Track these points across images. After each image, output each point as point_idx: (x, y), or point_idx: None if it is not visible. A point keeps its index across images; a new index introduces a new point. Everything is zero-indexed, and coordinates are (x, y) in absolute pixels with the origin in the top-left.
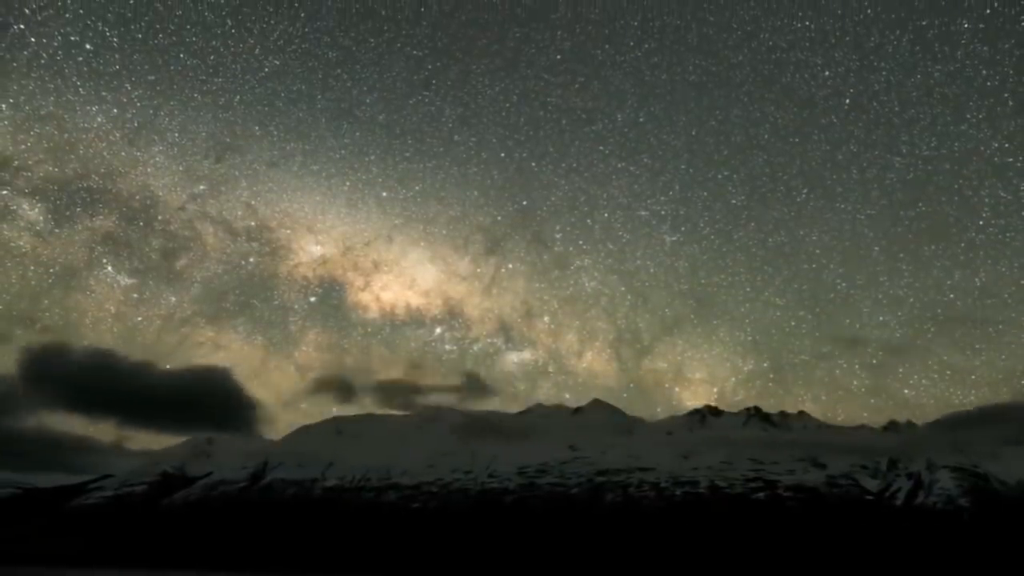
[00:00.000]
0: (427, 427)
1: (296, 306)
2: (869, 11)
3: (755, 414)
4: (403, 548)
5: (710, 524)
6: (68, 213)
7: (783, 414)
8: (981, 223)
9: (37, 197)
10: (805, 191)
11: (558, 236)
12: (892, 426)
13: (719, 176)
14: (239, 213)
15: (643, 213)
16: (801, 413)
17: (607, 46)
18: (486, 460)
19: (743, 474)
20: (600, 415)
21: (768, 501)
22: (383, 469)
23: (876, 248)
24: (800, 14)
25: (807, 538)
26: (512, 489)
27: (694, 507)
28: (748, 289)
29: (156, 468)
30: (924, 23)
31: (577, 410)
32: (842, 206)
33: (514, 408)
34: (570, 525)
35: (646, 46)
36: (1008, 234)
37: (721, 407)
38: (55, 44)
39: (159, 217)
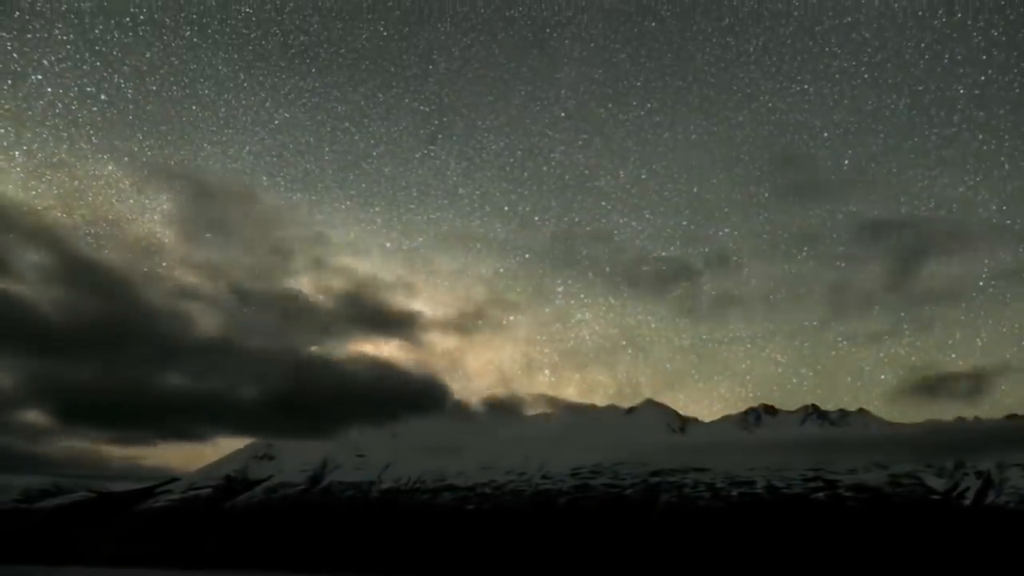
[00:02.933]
0: (481, 428)
1: None
2: (866, 75)
3: (813, 412)
4: (458, 550)
5: (768, 525)
6: (74, 257)
7: (842, 412)
8: (981, 284)
9: (43, 242)
10: (805, 249)
11: (560, 289)
12: (959, 423)
13: (720, 233)
14: None
15: (645, 268)
16: (861, 411)
17: (610, 105)
18: (539, 461)
19: (801, 474)
20: (653, 415)
21: (828, 502)
22: (437, 471)
23: (877, 307)
24: (799, 77)
25: (870, 540)
26: (566, 490)
27: (751, 508)
28: (749, 346)
29: (220, 472)
30: (921, 88)
31: (630, 410)
32: (841, 264)
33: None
34: (624, 526)
35: (648, 105)
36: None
37: (777, 405)
38: (71, 94)
39: (163, 264)
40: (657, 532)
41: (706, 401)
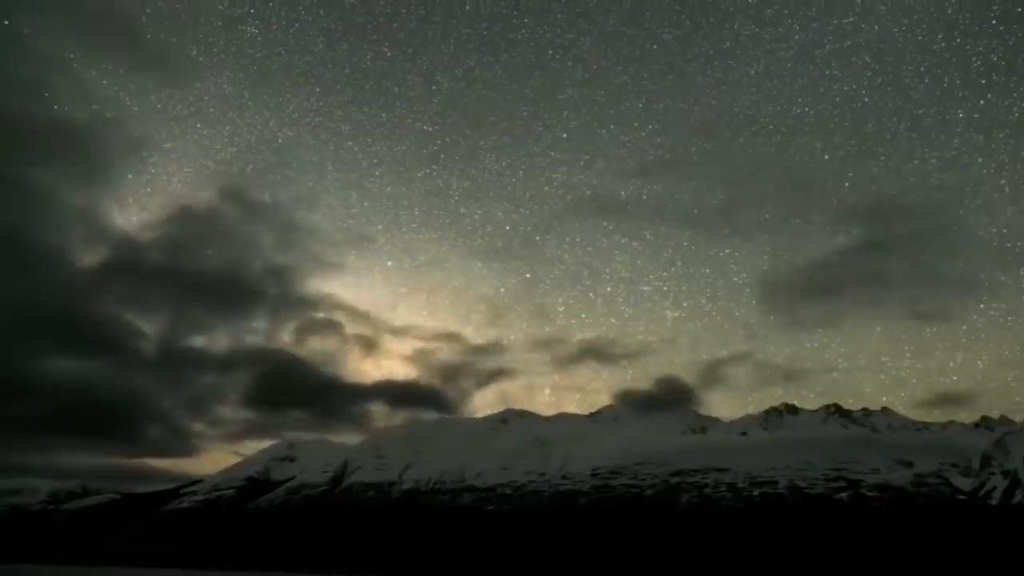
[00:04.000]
0: (500, 429)
1: None
2: (866, 99)
3: (835, 411)
4: (478, 550)
5: (790, 526)
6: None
7: (865, 411)
8: (982, 306)
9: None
10: (807, 269)
11: (560, 308)
12: (984, 422)
13: (721, 254)
14: None
15: (645, 288)
16: (884, 410)
17: (612, 126)
18: (559, 462)
19: (824, 473)
20: (673, 415)
21: (851, 501)
22: (457, 472)
23: (878, 328)
24: (800, 100)
25: (894, 540)
26: (586, 491)
27: (773, 508)
28: (751, 366)
29: (243, 473)
30: (921, 111)
31: (649, 410)
32: (843, 286)
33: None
34: (645, 527)
35: (650, 127)
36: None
37: (798, 404)
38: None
39: None
40: (677, 532)
41: (727, 401)
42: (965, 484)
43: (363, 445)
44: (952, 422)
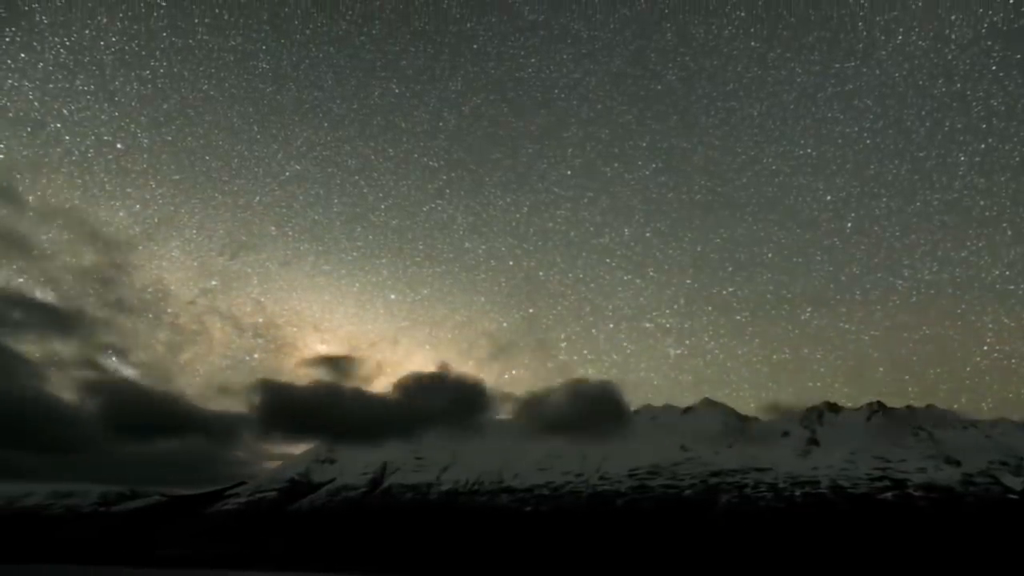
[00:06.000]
0: (537, 430)
1: None
2: (868, 141)
3: (878, 410)
4: (517, 551)
5: (833, 527)
6: (79, 302)
7: (909, 408)
8: (985, 348)
9: (51, 285)
10: (809, 309)
11: (563, 344)
12: None
13: (724, 292)
14: (248, 309)
15: (648, 325)
16: (929, 407)
17: (616, 164)
18: (596, 462)
19: (867, 472)
20: (711, 414)
21: (897, 502)
22: (495, 473)
23: (881, 368)
24: (802, 141)
25: (942, 542)
26: (623, 491)
27: (815, 508)
28: (752, 405)
29: (285, 475)
30: (922, 154)
31: (687, 410)
32: (846, 326)
33: None
34: (684, 528)
35: (654, 165)
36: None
37: (840, 403)
38: (88, 142)
39: (168, 310)
40: (717, 533)
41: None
42: (1016, 483)
43: (401, 447)
44: (1002, 419)
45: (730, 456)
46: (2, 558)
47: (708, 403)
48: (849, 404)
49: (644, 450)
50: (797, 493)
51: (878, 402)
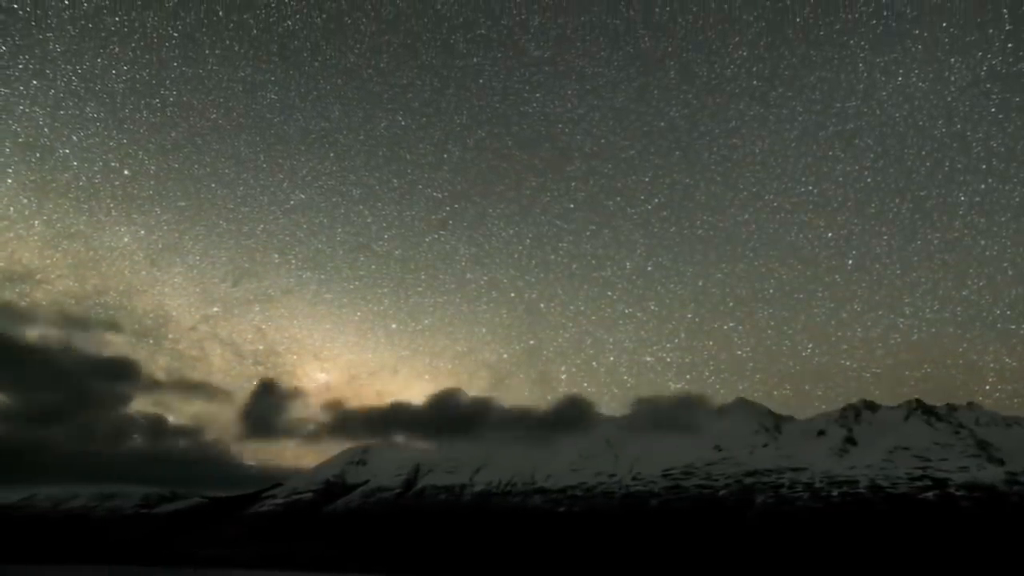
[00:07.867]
0: (570, 430)
1: None
2: (869, 180)
3: (917, 407)
4: (549, 552)
5: (872, 527)
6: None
7: (950, 406)
8: (987, 388)
9: (55, 309)
10: (810, 346)
11: (563, 376)
12: None
13: (725, 327)
14: (249, 336)
15: (648, 359)
16: (971, 404)
17: (619, 198)
18: (629, 462)
19: (907, 472)
20: (745, 413)
21: (938, 501)
22: (527, 474)
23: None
24: (804, 179)
25: (985, 542)
26: (657, 492)
27: (853, 508)
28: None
29: (320, 477)
30: (923, 193)
31: (721, 409)
32: (847, 363)
33: None
34: (718, 529)
35: (656, 200)
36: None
37: (878, 401)
38: (95, 168)
39: (169, 336)
40: (753, 534)
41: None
42: None
43: (434, 449)
44: None
45: (765, 456)
46: (50, 559)
47: (742, 401)
48: (888, 402)
49: (678, 450)
50: (835, 493)
51: (917, 400)
